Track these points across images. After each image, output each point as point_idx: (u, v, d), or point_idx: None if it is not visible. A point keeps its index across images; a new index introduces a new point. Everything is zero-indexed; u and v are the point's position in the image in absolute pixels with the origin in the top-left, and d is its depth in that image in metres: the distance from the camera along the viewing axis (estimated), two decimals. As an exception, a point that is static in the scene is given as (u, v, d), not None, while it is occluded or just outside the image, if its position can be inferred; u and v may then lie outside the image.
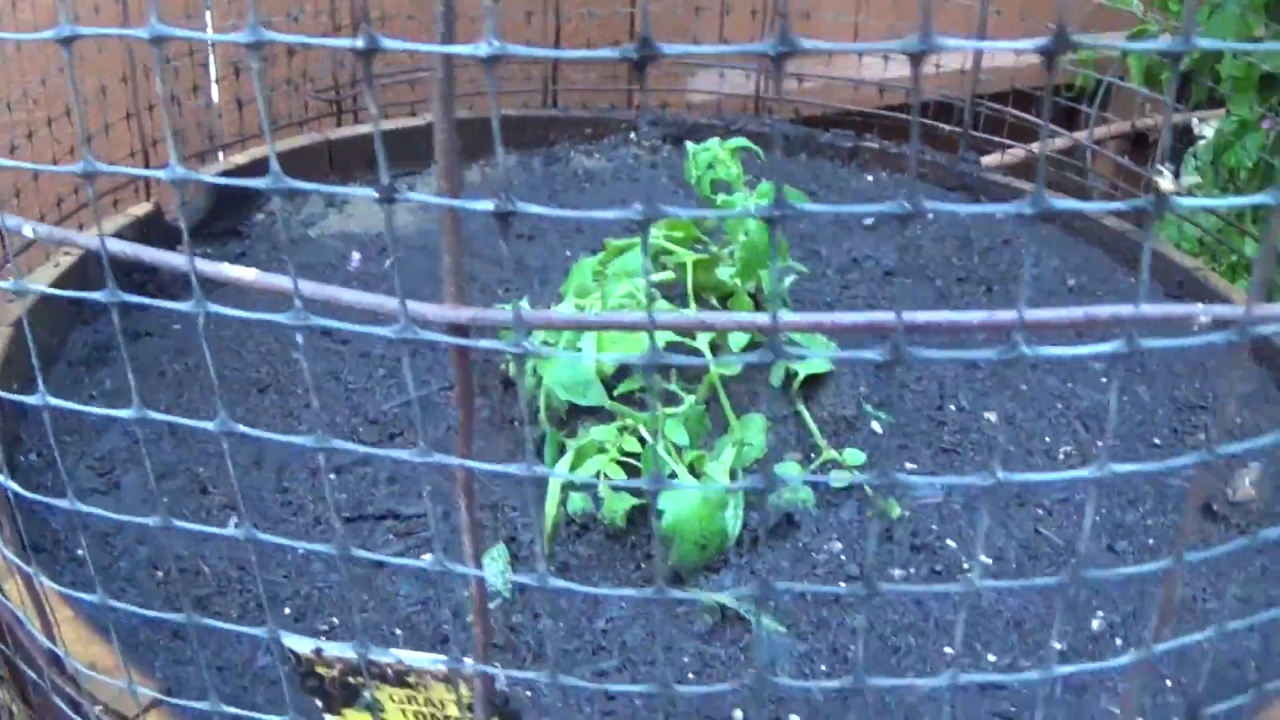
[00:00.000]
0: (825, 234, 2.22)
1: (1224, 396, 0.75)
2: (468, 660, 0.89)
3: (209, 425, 0.77)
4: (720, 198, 1.70)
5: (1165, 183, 0.63)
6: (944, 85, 2.59)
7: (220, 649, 1.35)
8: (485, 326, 0.69)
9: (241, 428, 0.77)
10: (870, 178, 2.49)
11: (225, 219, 2.18)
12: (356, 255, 2.09)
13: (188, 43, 2.36)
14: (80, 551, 1.47)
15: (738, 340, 1.59)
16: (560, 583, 0.73)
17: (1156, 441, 1.76)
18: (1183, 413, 1.83)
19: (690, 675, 1.35)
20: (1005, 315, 0.66)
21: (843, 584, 1.47)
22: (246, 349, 1.85)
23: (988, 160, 2.69)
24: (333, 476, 1.61)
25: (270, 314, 0.73)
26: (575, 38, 2.75)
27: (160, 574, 1.45)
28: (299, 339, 0.73)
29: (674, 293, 1.66)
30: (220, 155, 2.43)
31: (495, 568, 1.45)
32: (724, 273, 1.65)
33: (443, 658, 0.90)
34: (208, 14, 2.46)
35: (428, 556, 1.46)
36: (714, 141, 1.72)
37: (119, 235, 2.00)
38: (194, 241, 2.12)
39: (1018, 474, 0.65)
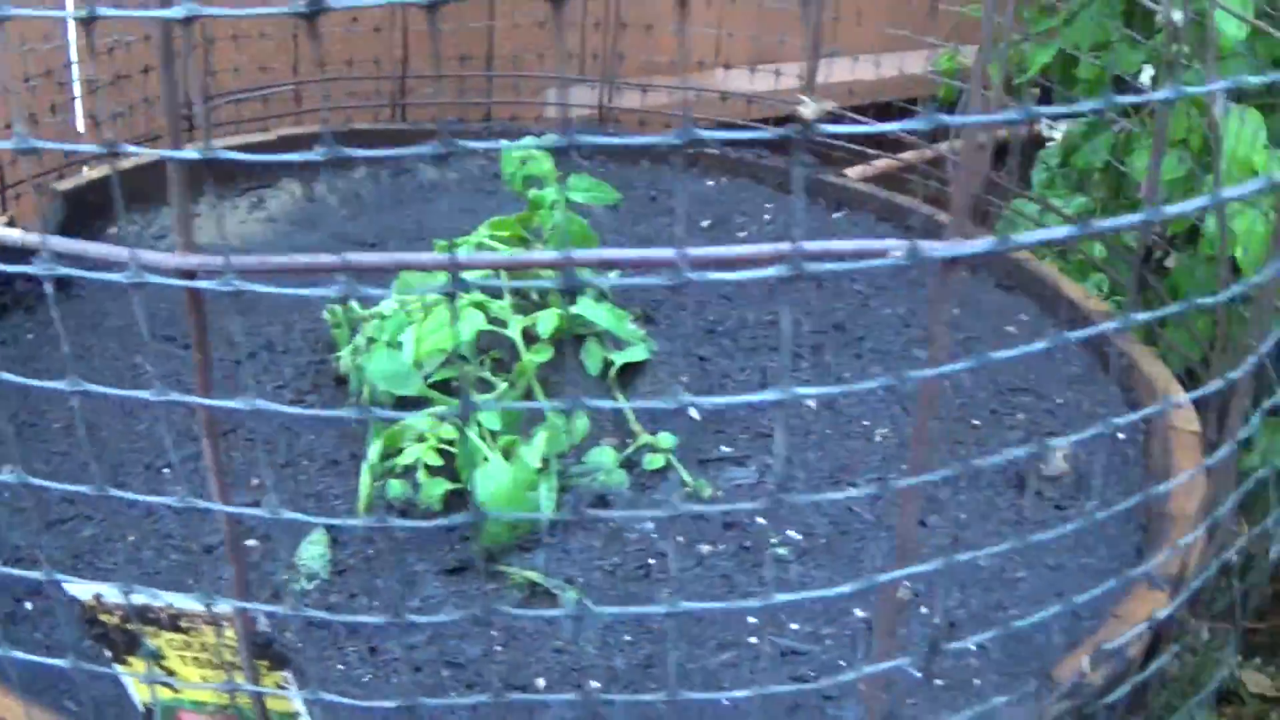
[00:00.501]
0: (663, 238, 2.26)
1: (936, 330, 0.80)
2: (227, 600, 0.93)
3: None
4: (531, 192, 1.75)
5: (806, 110, 0.68)
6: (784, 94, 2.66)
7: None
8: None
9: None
10: (711, 183, 2.54)
11: (79, 232, 2.21)
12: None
13: (46, 63, 2.38)
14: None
15: (548, 328, 1.64)
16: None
17: (976, 422, 1.82)
18: (1004, 394, 1.88)
19: (498, 648, 1.39)
20: (662, 253, 0.70)
21: (651, 560, 1.52)
22: (94, 354, 1.89)
23: (852, 171, 2.75)
24: (167, 470, 1.64)
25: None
26: (425, 52, 2.79)
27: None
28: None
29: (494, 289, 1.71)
30: (84, 169, 2.45)
31: (314, 550, 1.49)
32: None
33: (198, 596, 0.93)
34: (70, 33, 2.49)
35: (252, 542, 1.51)
36: (528, 140, 1.77)
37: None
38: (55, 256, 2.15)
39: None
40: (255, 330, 1.93)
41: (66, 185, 2.26)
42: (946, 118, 0.73)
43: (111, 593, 0.97)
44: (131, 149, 0.73)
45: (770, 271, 0.71)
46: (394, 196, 2.43)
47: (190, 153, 0.71)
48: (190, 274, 0.78)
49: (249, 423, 1.72)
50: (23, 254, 0.83)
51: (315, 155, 0.70)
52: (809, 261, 0.71)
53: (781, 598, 0.85)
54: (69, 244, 0.80)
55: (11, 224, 2.14)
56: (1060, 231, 0.79)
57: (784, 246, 0.70)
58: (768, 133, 0.68)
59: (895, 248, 0.73)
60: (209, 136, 0.71)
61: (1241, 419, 1.65)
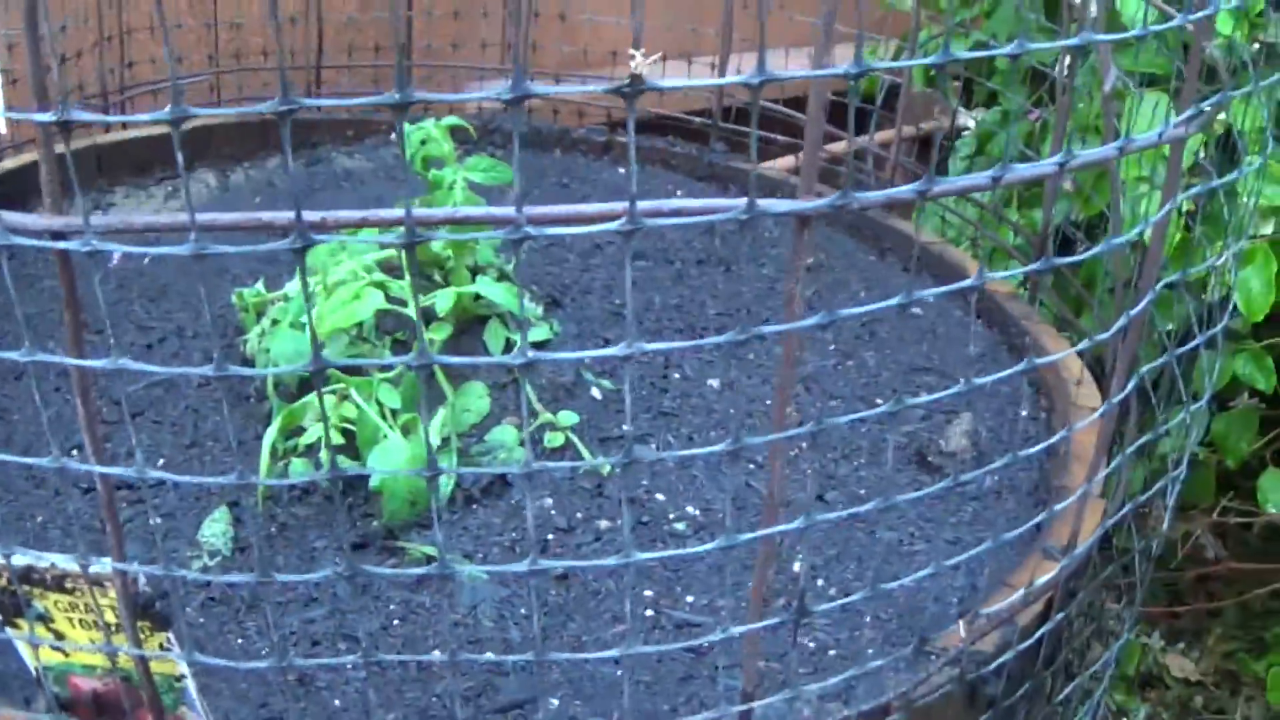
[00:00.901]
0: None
1: (790, 286, 0.83)
2: (105, 560, 0.95)
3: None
4: (432, 172, 1.76)
5: (636, 65, 0.70)
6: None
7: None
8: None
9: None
10: (622, 170, 2.57)
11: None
12: (117, 254, 2.13)
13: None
14: None
15: (445, 306, 1.65)
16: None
17: (879, 402, 1.84)
18: (907, 374, 1.91)
19: (395, 622, 1.41)
20: (504, 211, 0.73)
21: (550, 535, 1.53)
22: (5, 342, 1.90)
23: (782, 163, 2.77)
24: (75, 451, 1.65)
25: None
26: (338, 42, 2.81)
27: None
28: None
29: (396, 271, 1.72)
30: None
31: (217, 528, 1.51)
32: (436, 245, 1.72)
33: (76, 557, 0.95)
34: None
35: (157, 521, 1.52)
36: (429, 122, 1.79)
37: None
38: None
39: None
40: (166, 316, 1.94)
41: (6, 164, 2.28)
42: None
43: (-4, 555, 0.98)
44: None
45: (611, 225, 0.73)
46: (308, 185, 2.44)
47: (47, 116, 0.72)
48: (60, 234, 0.79)
49: (157, 406, 1.73)
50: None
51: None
52: (647, 217, 0.73)
53: (643, 556, 0.87)
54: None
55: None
56: (906, 189, 0.81)
57: (620, 205, 0.73)
58: (601, 87, 0.70)
59: (735, 205, 0.75)
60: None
61: (1159, 402, 1.68)
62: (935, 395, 0.96)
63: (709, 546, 0.88)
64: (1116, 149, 0.92)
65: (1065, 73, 2.06)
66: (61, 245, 0.78)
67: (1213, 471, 2.49)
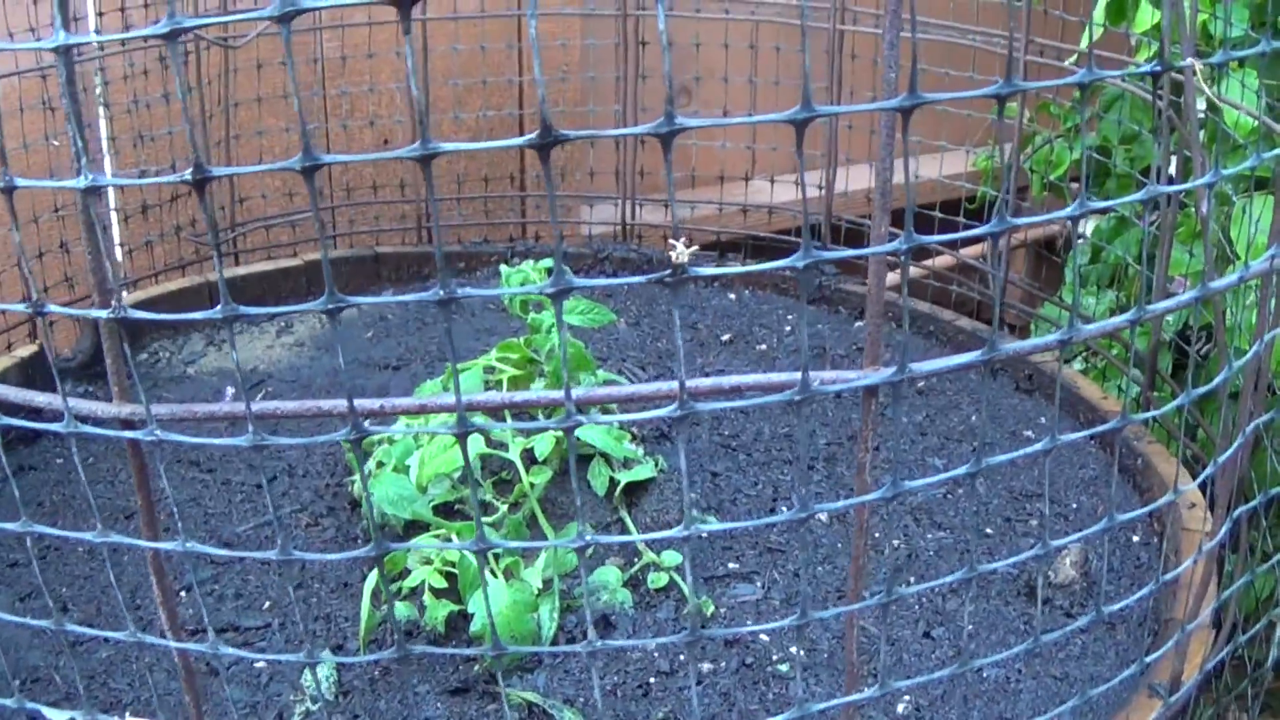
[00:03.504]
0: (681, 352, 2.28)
1: (861, 455, 0.82)
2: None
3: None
4: (530, 315, 1.77)
5: (677, 255, 0.70)
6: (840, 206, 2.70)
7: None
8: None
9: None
10: (732, 295, 2.57)
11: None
12: (230, 391, 2.16)
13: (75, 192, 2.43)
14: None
15: (545, 449, 1.66)
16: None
17: (989, 531, 1.82)
18: (1018, 501, 1.89)
19: (496, 770, 1.41)
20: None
21: (652, 679, 1.53)
22: (120, 479, 1.92)
23: (890, 278, 2.77)
24: (184, 593, 1.67)
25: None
26: (449, 172, 2.84)
27: (16, 683, 1.52)
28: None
29: (498, 413, 1.73)
30: (124, 294, 2.50)
31: (321, 672, 1.51)
32: (537, 385, 1.73)
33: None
34: (107, 165, 2.55)
35: (261, 664, 1.53)
36: (527, 264, 1.80)
37: (4, 376, 2.09)
38: (81, 380, 2.20)
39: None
40: (278, 454, 1.96)
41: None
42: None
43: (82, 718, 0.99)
44: (55, 308, 0.76)
45: (663, 411, 0.73)
46: (419, 319, 2.46)
47: (102, 312, 0.73)
48: (129, 424, 0.80)
49: (265, 546, 1.75)
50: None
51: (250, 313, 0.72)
52: (700, 399, 0.73)
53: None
54: (9, 392, 0.82)
55: (41, 352, 2.19)
56: (967, 358, 0.81)
57: (672, 385, 0.72)
58: (642, 278, 0.70)
59: (790, 383, 0.75)
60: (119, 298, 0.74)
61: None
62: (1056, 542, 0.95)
63: (785, 717, 0.87)
64: (1193, 298, 0.91)
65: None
66: (130, 435, 0.79)
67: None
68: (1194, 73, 1.30)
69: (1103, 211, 2.56)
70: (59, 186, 0.70)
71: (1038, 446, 0.81)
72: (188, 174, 0.71)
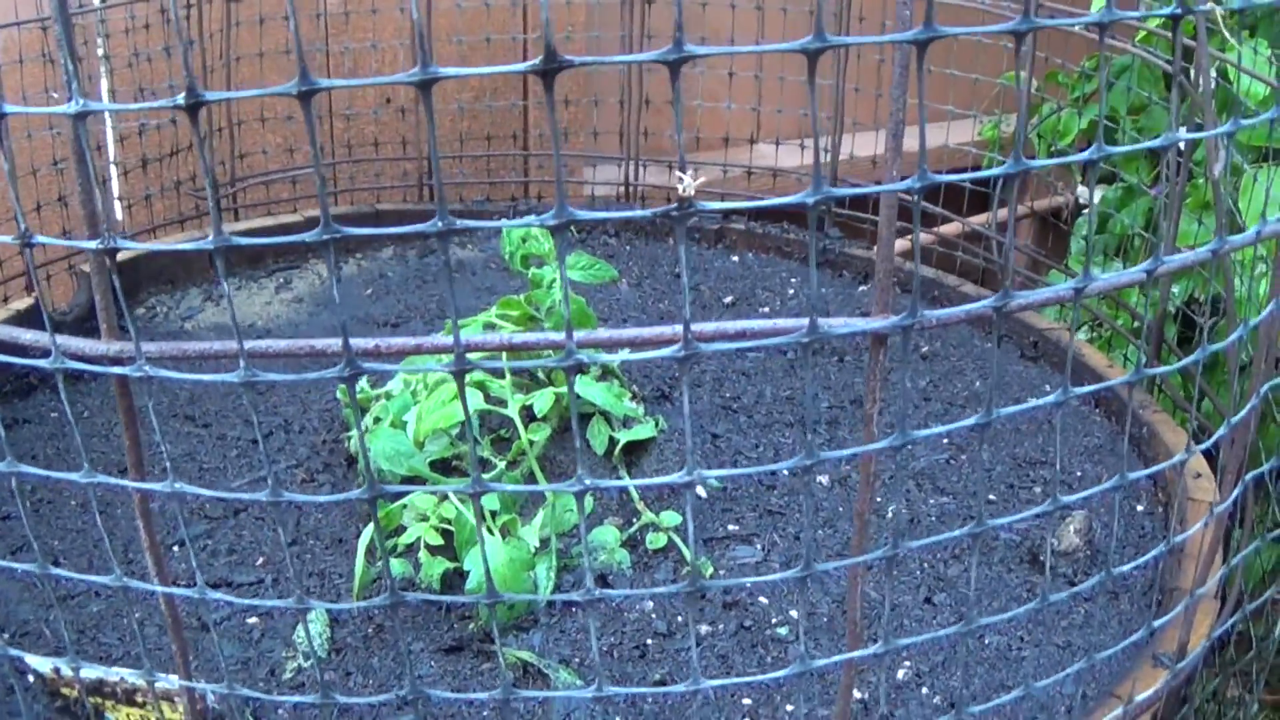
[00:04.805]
0: (678, 313, 2.26)
1: (869, 404, 0.80)
2: (171, 676, 0.93)
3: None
4: (532, 271, 1.75)
5: (684, 188, 0.68)
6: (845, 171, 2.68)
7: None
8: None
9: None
10: (735, 258, 2.55)
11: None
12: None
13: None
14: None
15: (544, 406, 1.64)
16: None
17: (991, 497, 1.80)
18: (1021, 468, 1.87)
19: (489, 729, 1.39)
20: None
21: (649, 640, 1.51)
22: (114, 434, 1.90)
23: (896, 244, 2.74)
24: (176, 548, 1.65)
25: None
26: (451, 130, 2.82)
27: (5, 636, 1.50)
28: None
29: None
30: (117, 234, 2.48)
31: (313, 629, 1.49)
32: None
33: (142, 673, 0.93)
34: (107, 123, 2.53)
35: (254, 620, 1.52)
36: (530, 219, 1.78)
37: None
38: (76, 334, 2.17)
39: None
40: (274, 409, 1.94)
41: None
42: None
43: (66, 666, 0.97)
44: (44, 239, 0.74)
45: (666, 352, 0.71)
46: (419, 276, 2.44)
47: (91, 243, 0.71)
48: (116, 360, 0.78)
49: (259, 502, 1.73)
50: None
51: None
52: (706, 342, 0.70)
53: (711, 684, 0.84)
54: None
55: (36, 305, 2.17)
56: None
57: (676, 328, 0.70)
58: (648, 212, 0.68)
59: (797, 327, 0.73)
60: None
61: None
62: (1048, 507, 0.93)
63: (784, 673, 0.85)
64: (1210, 252, 0.89)
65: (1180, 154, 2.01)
66: (117, 370, 0.76)
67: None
68: (1209, 22, 1.28)
69: (1115, 176, 2.52)
70: (49, 112, 0.68)
71: (1050, 398, 0.79)
72: (180, 98, 0.69)
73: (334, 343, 0.75)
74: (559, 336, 0.74)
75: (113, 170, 2.50)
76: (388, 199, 2.70)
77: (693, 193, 0.68)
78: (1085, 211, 2.81)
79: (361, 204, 2.64)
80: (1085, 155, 0.75)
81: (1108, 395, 2.01)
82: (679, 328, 0.73)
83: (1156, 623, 1.18)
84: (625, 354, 0.77)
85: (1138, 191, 2.61)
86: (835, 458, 0.78)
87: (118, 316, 0.83)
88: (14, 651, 0.93)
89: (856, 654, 0.87)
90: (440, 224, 0.67)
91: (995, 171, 0.74)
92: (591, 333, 0.76)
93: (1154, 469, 1.01)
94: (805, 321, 0.75)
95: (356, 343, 0.73)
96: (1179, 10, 0.78)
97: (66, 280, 2.45)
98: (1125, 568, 1.05)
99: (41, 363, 0.78)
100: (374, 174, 2.74)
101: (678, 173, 0.67)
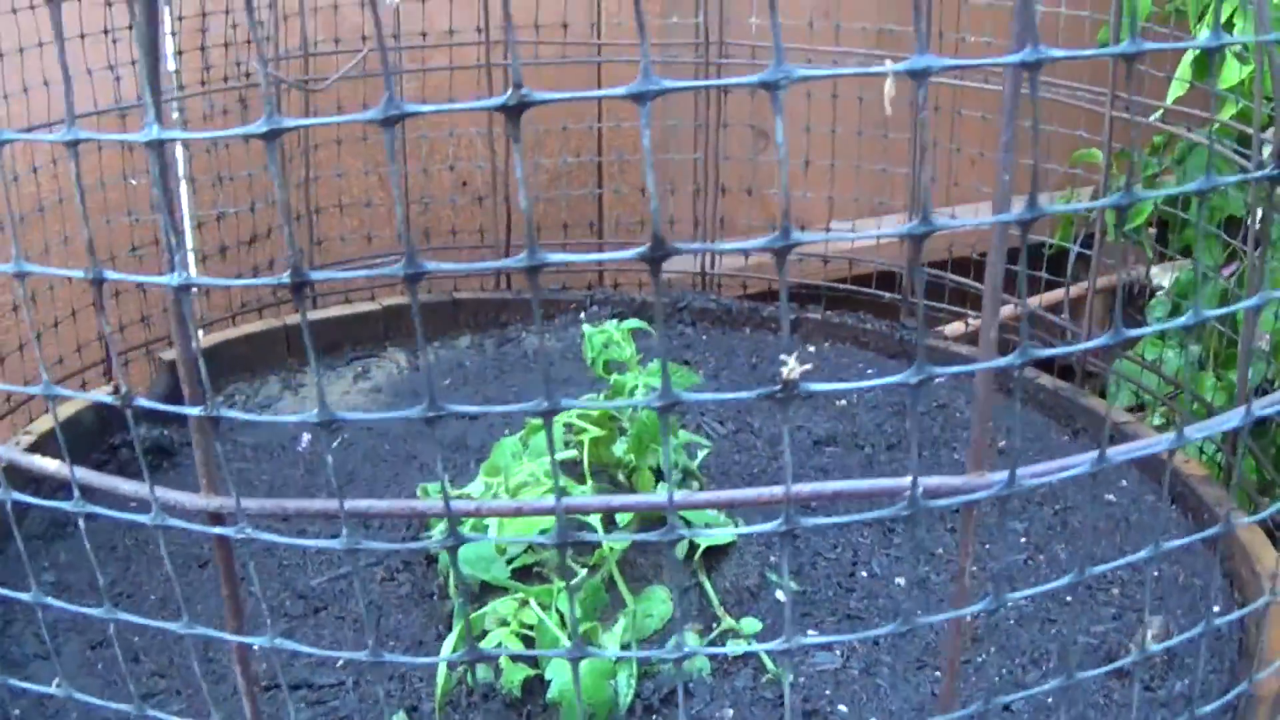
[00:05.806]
0: (759, 405, 2.27)
1: (962, 566, 0.81)
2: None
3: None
4: (614, 377, 1.76)
5: (789, 371, 0.69)
6: (884, 255, 2.68)
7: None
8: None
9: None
10: (812, 348, 2.55)
11: (183, 401, 2.26)
12: (306, 436, 2.16)
13: (153, 229, 2.45)
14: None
15: (625, 516, 1.64)
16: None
17: (1068, 599, 1.79)
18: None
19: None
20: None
21: (730, 748, 1.51)
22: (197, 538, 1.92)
23: (950, 329, 2.74)
24: (256, 647, 1.66)
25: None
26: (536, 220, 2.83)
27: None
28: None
29: (578, 470, 1.71)
30: (199, 334, 2.51)
31: (397, 737, 1.51)
32: (619, 448, 1.71)
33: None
34: (185, 194, 2.56)
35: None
36: (611, 323, 1.79)
37: (79, 417, 2.10)
38: (155, 421, 2.19)
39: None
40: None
41: (172, 354, 2.31)
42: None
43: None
44: (65, 392, 0.75)
45: (768, 528, 0.72)
46: (497, 366, 2.45)
47: (194, 410, 0.72)
48: (218, 517, 0.79)
49: (340, 600, 1.74)
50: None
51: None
52: (805, 517, 0.71)
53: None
54: (95, 479, 0.82)
55: (115, 391, 2.19)
56: (1076, 464, 0.79)
57: (775, 490, 0.71)
58: (751, 394, 0.68)
59: (900, 485, 0.73)
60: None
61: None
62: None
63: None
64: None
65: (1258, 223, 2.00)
66: (218, 531, 0.78)
67: None
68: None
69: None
70: (125, 139, 0.70)
71: (1142, 554, 0.79)
72: (285, 276, 0.70)
73: (435, 504, 0.76)
74: (660, 499, 0.75)
75: (190, 257, 2.53)
76: (465, 287, 2.72)
77: (797, 375, 0.69)
78: (1159, 294, 2.80)
79: (439, 292, 2.66)
80: (1194, 186, 0.75)
81: (1182, 491, 2.00)
82: (778, 489, 0.74)
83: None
84: (728, 532, 0.77)
85: (1210, 275, 2.60)
86: (932, 621, 0.78)
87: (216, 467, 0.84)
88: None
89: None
90: (530, 258, 0.68)
91: (1107, 201, 0.74)
92: (691, 495, 0.77)
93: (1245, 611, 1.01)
94: (904, 482, 0.76)
95: (457, 505, 0.74)
96: (1275, 173, 0.79)
97: (144, 366, 2.48)
98: (1208, 709, 1.05)
99: (142, 518, 0.80)
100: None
101: (783, 355, 0.68)
